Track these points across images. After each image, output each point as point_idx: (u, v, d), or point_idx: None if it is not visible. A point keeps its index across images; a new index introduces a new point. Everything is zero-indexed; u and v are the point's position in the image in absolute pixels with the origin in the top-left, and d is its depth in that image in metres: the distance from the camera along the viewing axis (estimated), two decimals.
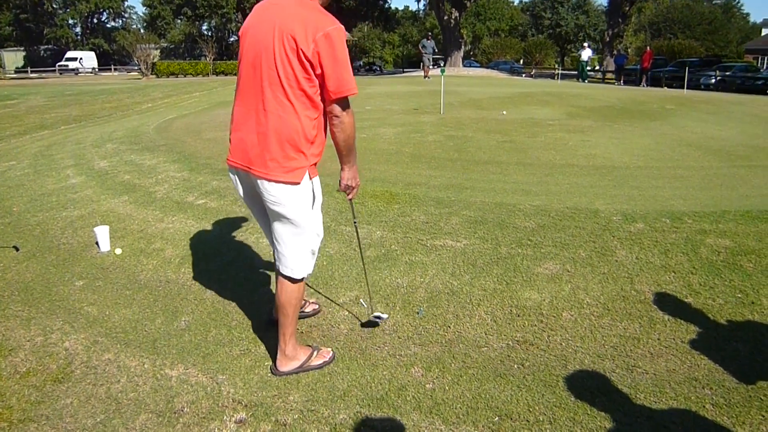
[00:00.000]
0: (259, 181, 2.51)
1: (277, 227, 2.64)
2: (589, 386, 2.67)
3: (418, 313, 3.37)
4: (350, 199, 2.79)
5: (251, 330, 3.26)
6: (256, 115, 2.47)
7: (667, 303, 3.36)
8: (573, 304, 3.39)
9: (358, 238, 3.32)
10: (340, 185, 2.69)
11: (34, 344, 3.17)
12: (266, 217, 2.74)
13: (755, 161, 7.53)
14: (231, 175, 2.73)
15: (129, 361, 2.98)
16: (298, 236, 2.63)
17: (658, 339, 3.03)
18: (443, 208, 5.01)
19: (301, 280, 2.75)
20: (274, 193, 2.50)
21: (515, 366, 2.85)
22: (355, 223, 3.23)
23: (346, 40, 2.44)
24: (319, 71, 2.35)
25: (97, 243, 4.53)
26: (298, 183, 2.49)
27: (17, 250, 4.54)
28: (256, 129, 2.47)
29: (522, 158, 7.50)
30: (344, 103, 2.44)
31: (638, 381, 2.69)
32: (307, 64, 2.34)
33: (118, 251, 4.45)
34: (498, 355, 2.96)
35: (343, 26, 2.40)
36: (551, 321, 3.24)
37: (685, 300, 3.40)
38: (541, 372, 2.79)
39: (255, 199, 2.71)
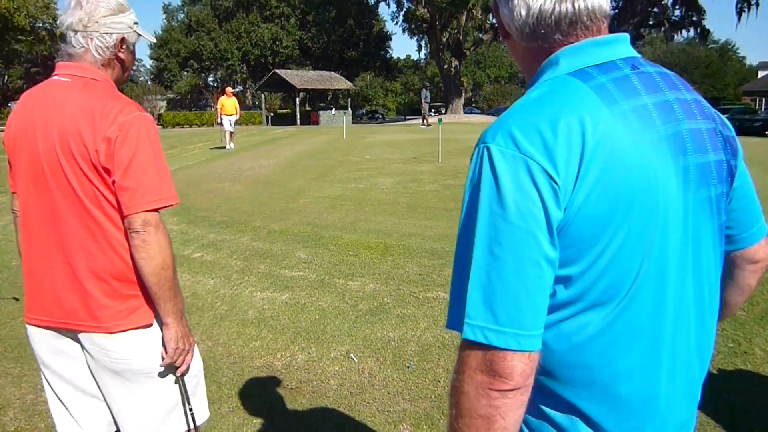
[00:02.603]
0: (89, 337, 1.73)
1: (132, 392, 1.78)
2: None
3: (408, 367, 3.36)
4: (181, 375, 1.80)
5: (241, 386, 3.25)
6: (60, 254, 1.73)
7: None
8: None
9: None
10: (164, 351, 1.75)
11: (24, 402, 3.16)
12: (88, 388, 1.85)
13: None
14: (30, 333, 1.84)
15: None
16: (163, 389, 1.81)
17: None
18: (437, 260, 5.04)
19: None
20: (116, 348, 1.72)
21: None
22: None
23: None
24: (113, 178, 1.63)
25: None
26: (151, 324, 1.76)
27: (17, 300, 4.58)
28: (65, 271, 1.73)
29: None
30: (150, 218, 1.65)
31: None
32: (103, 172, 1.64)
33: None
34: None
35: (149, 115, 1.74)
36: None
37: None
38: None
39: (69, 363, 1.83)
